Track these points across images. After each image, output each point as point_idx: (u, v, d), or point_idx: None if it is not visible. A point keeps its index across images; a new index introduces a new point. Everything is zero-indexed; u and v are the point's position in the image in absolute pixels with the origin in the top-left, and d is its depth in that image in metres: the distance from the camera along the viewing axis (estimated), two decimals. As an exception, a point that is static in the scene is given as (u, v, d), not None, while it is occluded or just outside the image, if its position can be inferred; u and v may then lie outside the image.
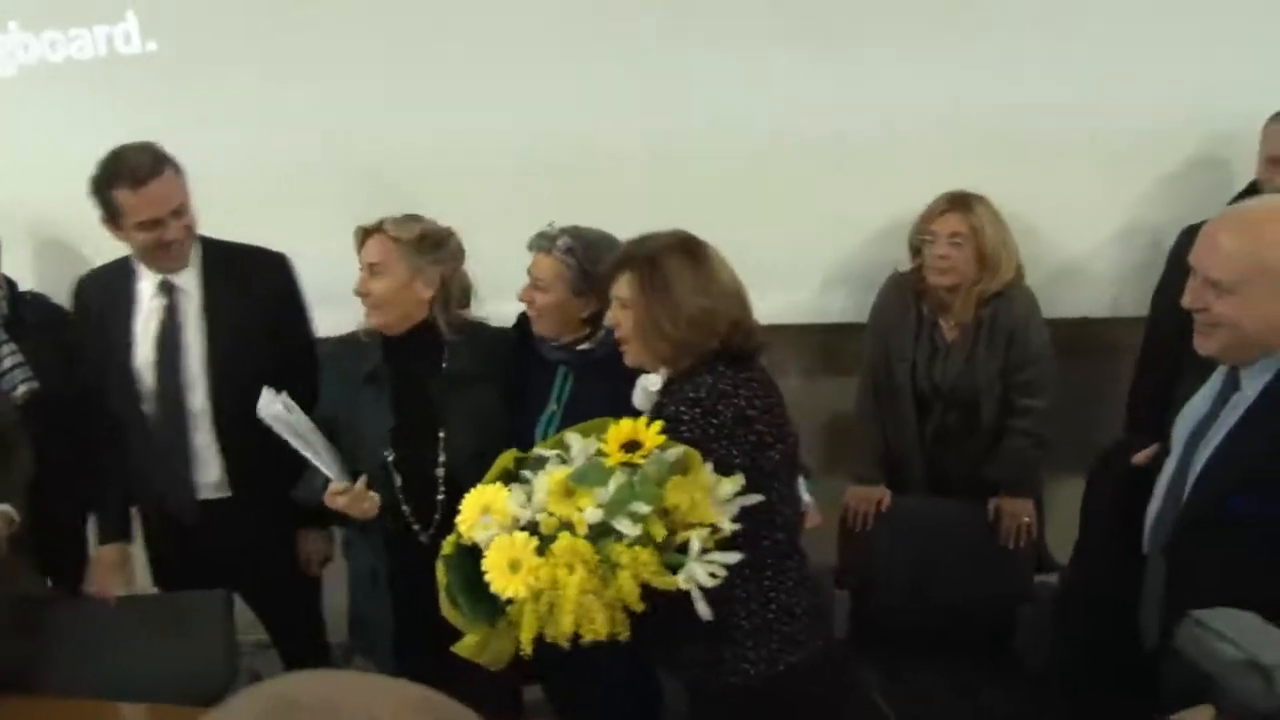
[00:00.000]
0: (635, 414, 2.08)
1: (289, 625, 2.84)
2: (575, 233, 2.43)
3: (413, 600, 2.43)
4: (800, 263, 3.04)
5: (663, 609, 1.81)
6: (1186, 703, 1.77)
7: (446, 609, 1.90)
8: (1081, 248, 3.01)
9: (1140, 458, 2.08)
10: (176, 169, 2.54)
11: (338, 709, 0.66)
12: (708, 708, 2.11)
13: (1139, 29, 2.83)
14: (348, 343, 2.57)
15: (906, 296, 2.84)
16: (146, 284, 2.64)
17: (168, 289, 2.62)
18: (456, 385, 2.48)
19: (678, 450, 1.85)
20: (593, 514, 1.78)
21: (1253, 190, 2.64)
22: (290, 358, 2.64)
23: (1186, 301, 1.82)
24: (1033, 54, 2.88)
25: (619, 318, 2.10)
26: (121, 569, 2.72)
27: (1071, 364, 2.93)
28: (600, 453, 1.87)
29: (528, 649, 1.80)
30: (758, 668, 2.02)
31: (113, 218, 2.53)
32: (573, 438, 1.95)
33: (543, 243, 2.43)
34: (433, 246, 2.46)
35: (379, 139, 3.04)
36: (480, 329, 2.57)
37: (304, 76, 3.04)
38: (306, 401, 2.52)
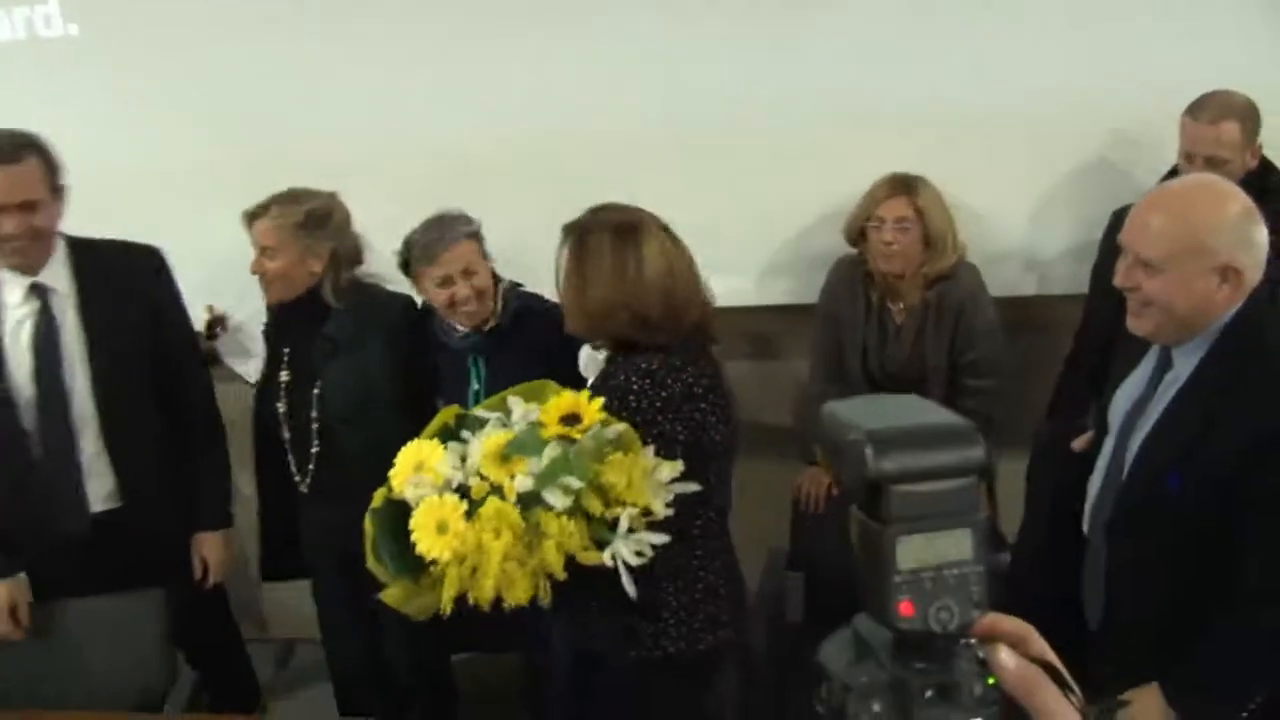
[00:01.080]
0: (556, 374, 2.12)
1: (203, 633, 2.76)
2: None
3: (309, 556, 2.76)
4: (746, 247, 3.06)
5: (586, 580, 1.84)
6: (1130, 683, 1.82)
7: (372, 561, 1.93)
8: (1012, 226, 3.02)
9: (1079, 444, 2.12)
10: (44, 163, 2.44)
11: None
12: (617, 681, 2.12)
13: (1071, 7, 2.84)
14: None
15: (855, 280, 2.85)
16: (13, 289, 2.50)
17: (40, 291, 2.50)
18: (334, 348, 2.61)
19: (618, 427, 1.88)
20: (523, 482, 1.81)
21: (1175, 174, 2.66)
22: (173, 354, 2.63)
23: (1118, 281, 1.84)
24: (967, 35, 2.88)
25: (562, 285, 2.12)
26: (13, 612, 2.52)
27: (1008, 342, 2.95)
28: (540, 421, 1.89)
29: (447, 610, 1.84)
30: (678, 645, 2.05)
31: None
32: (514, 401, 1.96)
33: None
34: (318, 223, 2.59)
35: (294, 123, 3.05)
36: (368, 292, 2.68)
37: (225, 62, 3.04)
38: (194, 400, 2.67)
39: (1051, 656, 0.72)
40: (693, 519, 2.00)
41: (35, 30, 3.01)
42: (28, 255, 2.47)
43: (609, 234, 2.07)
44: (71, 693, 2.47)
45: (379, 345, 2.63)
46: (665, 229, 2.10)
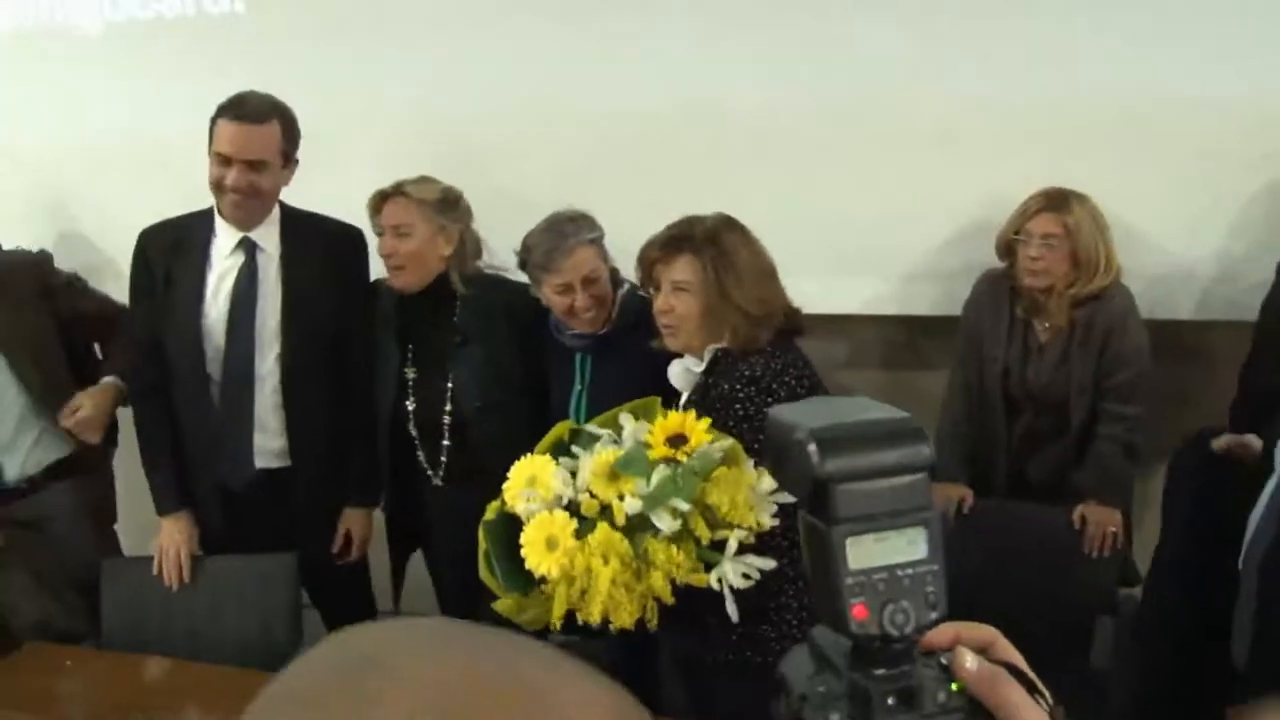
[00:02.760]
0: (653, 386, 2.21)
1: (337, 599, 2.89)
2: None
3: (438, 544, 2.84)
4: (890, 252, 3.05)
5: (697, 597, 1.88)
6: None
7: (484, 572, 2.01)
8: (1171, 245, 2.92)
9: (1220, 443, 2.06)
10: (285, 131, 2.60)
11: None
12: (740, 686, 2.14)
13: (1258, 24, 2.74)
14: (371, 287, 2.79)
15: (1000, 295, 2.82)
16: (224, 240, 2.68)
17: (248, 246, 2.67)
18: (465, 338, 2.67)
19: (724, 444, 1.92)
20: (632, 504, 1.86)
21: None
22: (350, 334, 2.74)
23: None
24: (1147, 44, 2.80)
25: (672, 302, 2.16)
26: (188, 538, 2.73)
27: (1159, 369, 2.87)
28: (647, 441, 1.94)
29: (556, 625, 1.91)
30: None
31: (209, 142, 2.60)
32: (625, 418, 2.02)
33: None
34: (451, 205, 2.67)
35: (458, 105, 3.13)
36: (494, 282, 2.73)
37: (389, 44, 3.15)
38: (366, 381, 2.74)
39: (1019, 660, 0.71)
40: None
41: (204, 7, 3.16)
42: (245, 210, 2.64)
43: (734, 231, 2.14)
44: (200, 646, 2.64)
45: (508, 334, 2.70)
46: None
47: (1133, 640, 2.54)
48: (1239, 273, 2.87)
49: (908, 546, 0.68)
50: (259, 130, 2.57)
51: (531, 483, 1.96)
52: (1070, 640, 2.70)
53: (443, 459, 2.73)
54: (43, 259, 2.95)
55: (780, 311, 2.14)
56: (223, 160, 2.58)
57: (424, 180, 2.67)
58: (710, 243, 2.12)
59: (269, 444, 2.73)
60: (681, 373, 2.20)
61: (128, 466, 3.11)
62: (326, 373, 2.72)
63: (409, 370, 2.73)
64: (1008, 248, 2.77)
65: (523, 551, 1.89)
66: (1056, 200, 2.68)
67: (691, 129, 3.03)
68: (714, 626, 2.05)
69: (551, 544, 1.87)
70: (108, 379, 2.83)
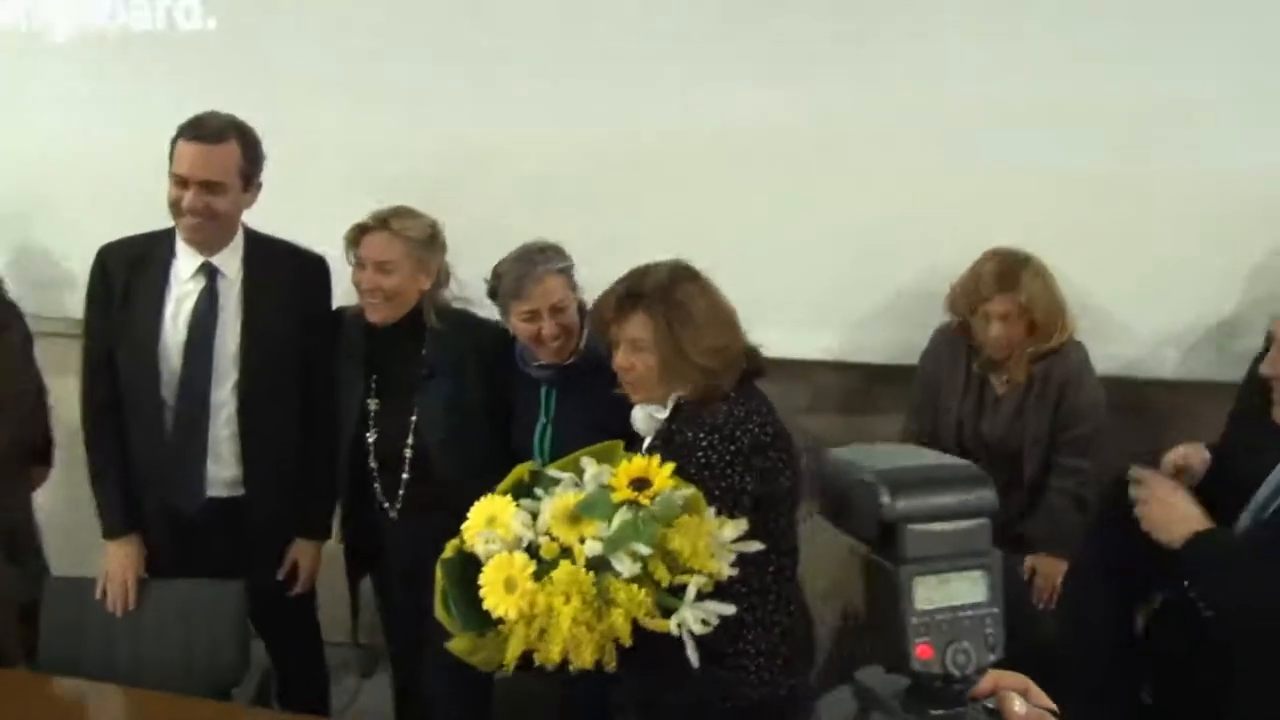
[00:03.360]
0: (617, 422, 2.23)
1: (283, 629, 2.88)
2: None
3: (388, 576, 2.83)
4: (850, 303, 3.11)
5: (653, 640, 1.88)
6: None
7: (440, 611, 2.00)
8: (1121, 304, 3.00)
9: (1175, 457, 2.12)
10: (245, 152, 2.58)
11: None
12: None
13: (1193, 86, 2.82)
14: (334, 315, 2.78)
15: (957, 348, 2.88)
16: (185, 263, 2.65)
17: (209, 271, 2.65)
18: (433, 371, 2.67)
19: (685, 491, 1.93)
20: (593, 546, 1.86)
21: None
22: (313, 364, 2.73)
23: (1264, 370, 1.92)
24: (1102, 115, 2.89)
25: (631, 360, 2.17)
26: (134, 563, 2.69)
27: (1115, 424, 2.93)
28: (610, 485, 1.94)
29: (510, 667, 1.89)
30: (759, 691, 2.12)
31: (170, 161, 2.58)
32: (587, 462, 2.02)
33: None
34: (434, 239, 2.67)
35: (428, 131, 3.16)
36: (464, 318, 2.74)
37: (360, 66, 3.17)
38: (328, 411, 2.72)
39: (1053, 706, 0.74)
40: (766, 566, 2.06)
41: (175, 22, 3.16)
42: (203, 233, 2.61)
43: (685, 283, 2.14)
44: (144, 672, 2.61)
45: (477, 369, 2.71)
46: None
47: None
48: (1192, 332, 2.95)
49: (970, 589, 0.73)
50: (217, 150, 2.55)
51: (491, 522, 1.95)
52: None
53: (400, 491, 2.73)
54: None
55: (740, 356, 2.15)
56: (180, 181, 2.56)
57: (407, 214, 2.66)
58: (662, 298, 2.13)
59: (222, 473, 2.70)
60: (644, 418, 2.21)
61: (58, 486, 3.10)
62: (285, 402, 2.71)
63: (371, 401, 2.72)
64: (967, 308, 2.80)
65: (481, 592, 1.88)
66: (1007, 280, 2.72)
67: (658, 172, 3.08)
68: (672, 669, 2.07)
69: (510, 585, 1.86)
70: None
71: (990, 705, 0.73)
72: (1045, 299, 2.74)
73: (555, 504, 1.92)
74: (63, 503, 3.14)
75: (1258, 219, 2.82)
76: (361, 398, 2.72)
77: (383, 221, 2.64)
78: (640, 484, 1.90)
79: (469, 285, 2.76)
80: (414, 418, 2.68)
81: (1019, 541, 2.84)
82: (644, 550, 1.84)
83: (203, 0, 3.14)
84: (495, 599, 1.86)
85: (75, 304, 3.16)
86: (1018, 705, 0.73)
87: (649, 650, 1.93)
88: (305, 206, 2.85)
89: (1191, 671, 2.06)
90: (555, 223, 2.69)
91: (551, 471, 2.04)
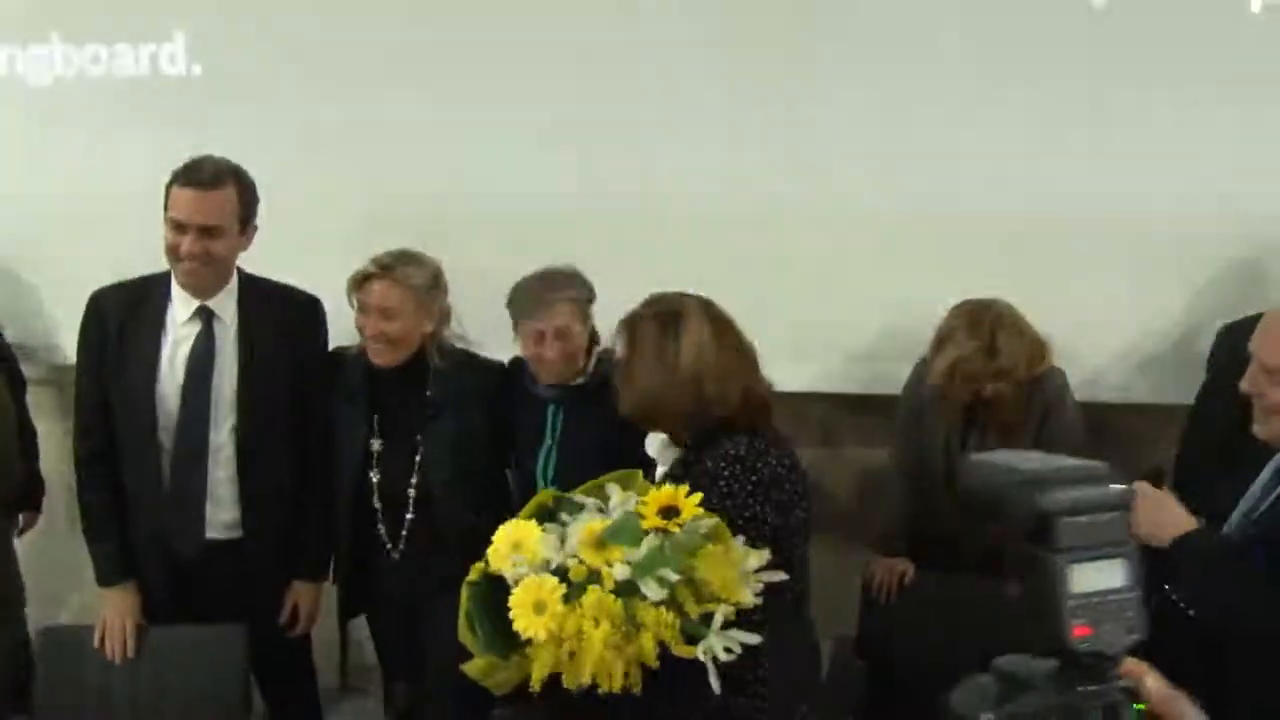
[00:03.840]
0: (623, 445, 2.32)
1: (279, 672, 2.86)
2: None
3: (388, 617, 2.83)
4: (824, 333, 3.19)
5: (677, 666, 1.93)
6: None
7: (464, 633, 2.04)
8: (1091, 331, 3.12)
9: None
10: (241, 197, 2.61)
11: None
12: None
13: (1169, 120, 2.98)
14: (333, 356, 2.81)
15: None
16: (180, 307, 2.66)
17: (205, 315, 2.66)
18: (438, 412, 2.70)
19: (710, 521, 1.98)
20: (621, 570, 1.91)
21: None
22: (309, 405, 2.74)
23: (1244, 386, 1.99)
24: (1064, 142, 3.04)
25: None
26: (132, 610, 2.68)
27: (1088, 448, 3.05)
28: (638, 511, 2.00)
29: (536, 687, 1.93)
30: (770, 715, 2.17)
31: (165, 207, 2.59)
32: (613, 488, 2.09)
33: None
34: (437, 283, 2.71)
35: (417, 176, 3.20)
36: (466, 357, 2.79)
37: (346, 112, 3.20)
38: (325, 452, 2.73)
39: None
40: (783, 596, 2.11)
41: (159, 67, 3.18)
42: (199, 278, 2.63)
43: (653, 323, 2.22)
44: (146, 717, 2.62)
45: (481, 407, 2.75)
46: (715, 317, 2.23)
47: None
48: (1160, 359, 3.09)
49: (1114, 575, 0.82)
50: (214, 195, 2.57)
51: (516, 547, 2.00)
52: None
53: (404, 531, 2.74)
54: None
55: (698, 403, 2.17)
56: (177, 226, 2.57)
57: (409, 260, 2.69)
58: (629, 323, 2.24)
59: (221, 515, 2.70)
60: (661, 446, 2.27)
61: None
62: (284, 444, 2.72)
63: (375, 441, 2.74)
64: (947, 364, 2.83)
65: (510, 614, 1.92)
66: (978, 335, 2.79)
67: (651, 219, 3.16)
68: (688, 696, 2.11)
69: (539, 607, 1.90)
70: None
71: (1127, 684, 0.82)
72: (1015, 345, 2.80)
73: (583, 529, 1.98)
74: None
75: (1210, 243, 2.99)
76: (364, 438, 2.73)
77: (386, 268, 2.66)
78: (669, 512, 1.95)
79: (470, 324, 2.81)
80: (419, 457, 2.71)
81: (1003, 565, 2.92)
82: (672, 576, 1.90)
83: (187, 47, 3.15)
84: (525, 621, 1.90)
85: (55, 350, 3.17)
86: (1150, 682, 0.82)
87: (670, 675, 1.99)
88: (291, 252, 2.87)
89: (1186, 673, 2.16)
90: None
91: (577, 496, 2.09)
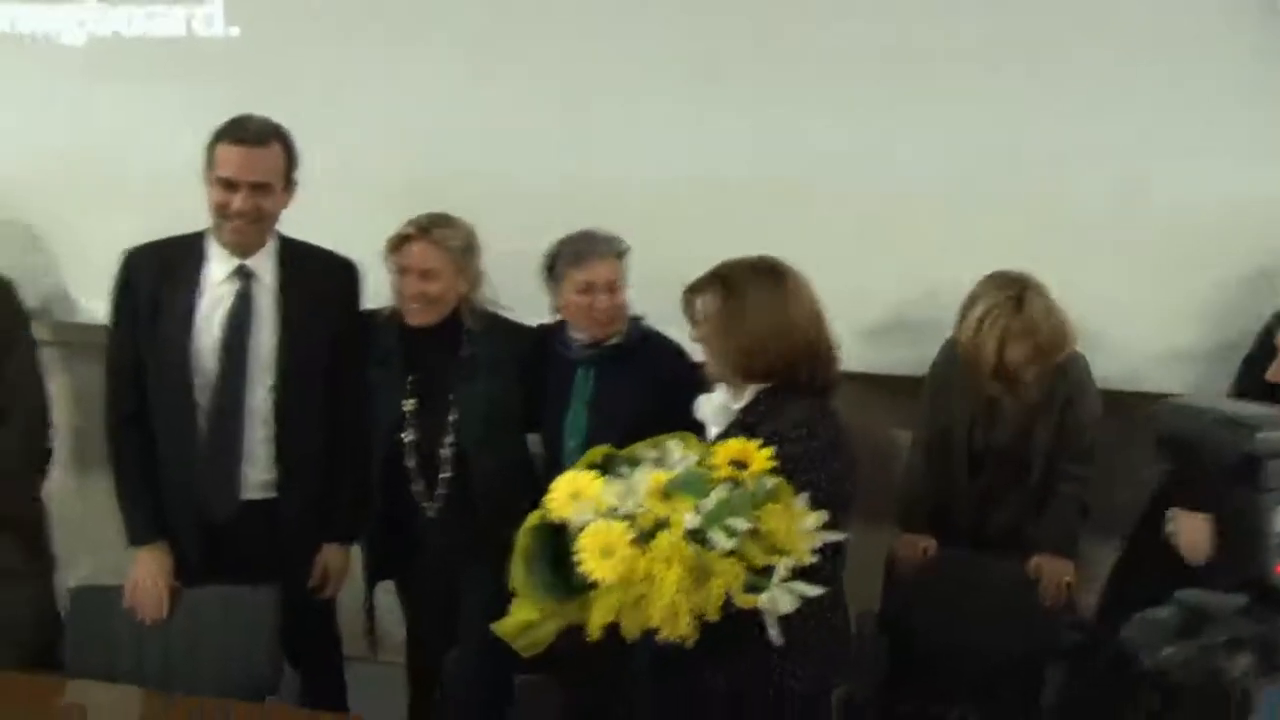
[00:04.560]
0: (658, 408, 2.38)
1: (304, 634, 2.85)
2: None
3: (420, 578, 2.88)
4: (849, 313, 3.19)
5: (731, 620, 1.97)
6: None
7: (518, 576, 2.06)
8: (1115, 319, 3.16)
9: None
10: (286, 154, 2.62)
11: None
12: (770, 711, 2.25)
13: (1203, 112, 3.02)
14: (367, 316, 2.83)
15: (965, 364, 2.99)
16: (217, 266, 2.67)
17: (243, 274, 2.67)
18: (471, 373, 2.75)
19: (772, 480, 2.03)
20: (691, 519, 1.95)
21: None
22: (342, 367, 2.76)
23: (1270, 375, 2.07)
24: (1096, 125, 3.08)
25: (699, 333, 2.32)
26: (164, 570, 2.69)
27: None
28: (702, 464, 2.04)
29: (595, 634, 1.96)
30: (804, 683, 2.22)
31: (207, 168, 2.60)
32: (673, 444, 2.12)
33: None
34: (473, 246, 2.77)
35: (451, 139, 3.23)
36: (499, 320, 2.84)
37: (380, 77, 3.23)
38: (358, 414, 2.76)
39: None
40: (828, 562, 2.16)
41: (194, 29, 3.17)
42: (245, 236, 2.64)
43: (752, 273, 2.27)
44: (176, 680, 2.61)
45: (514, 368, 2.80)
46: (798, 274, 2.30)
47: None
48: (1187, 349, 3.14)
49: None
50: (262, 153, 2.59)
51: (575, 496, 2.03)
52: (1024, 682, 2.91)
53: (439, 491, 2.78)
54: None
55: (793, 356, 2.23)
56: (226, 185, 2.58)
57: (446, 222, 2.74)
58: (723, 281, 2.27)
59: (257, 476, 2.71)
60: (717, 408, 2.31)
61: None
62: (319, 405, 2.73)
63: (408, 402, 2.77)
64: (974, 332, 2.89)
65: (575, 558, 1.95)
66: (1009, 290, 2.86)
67: (679, 198, 3.19)
68: (737, 649, 2.16)
69: (607, 551, 1.93)
70: None
71: None
72: (1048, 321, 2.87)
73: (649, 479, 2.01)
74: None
75: (1250, 235, 3.03)
76: (398, 400, 2.77)
77: (424, 230, 2.71)
78: (739, 464, 2.00)
79: (501, 291, 2.86)
80: (452, 417, 2.75)
81: (1022, 543, 3.01)
82: (742, 526, 1.94)
83: (224, 8, 3.15)
84: (594, 564, 1.93)
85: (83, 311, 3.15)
86: None
87: (722, 630, 2.02)
88: (322, 213, 2.86)
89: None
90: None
91: (637, 451, 2.13)
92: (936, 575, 3.02)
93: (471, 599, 2.79)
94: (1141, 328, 3.15)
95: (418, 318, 2.75)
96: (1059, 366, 2.94)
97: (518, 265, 2.81)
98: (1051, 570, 2.95)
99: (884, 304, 3.26)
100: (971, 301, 2.92)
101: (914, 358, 3.20)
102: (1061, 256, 3.04)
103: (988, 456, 3.03)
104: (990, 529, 3.06)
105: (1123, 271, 3.10)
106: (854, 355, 3.20)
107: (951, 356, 3.06)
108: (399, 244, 2.72)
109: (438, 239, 2.71)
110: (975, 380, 2.96)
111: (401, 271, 2.72)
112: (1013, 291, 2.87)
